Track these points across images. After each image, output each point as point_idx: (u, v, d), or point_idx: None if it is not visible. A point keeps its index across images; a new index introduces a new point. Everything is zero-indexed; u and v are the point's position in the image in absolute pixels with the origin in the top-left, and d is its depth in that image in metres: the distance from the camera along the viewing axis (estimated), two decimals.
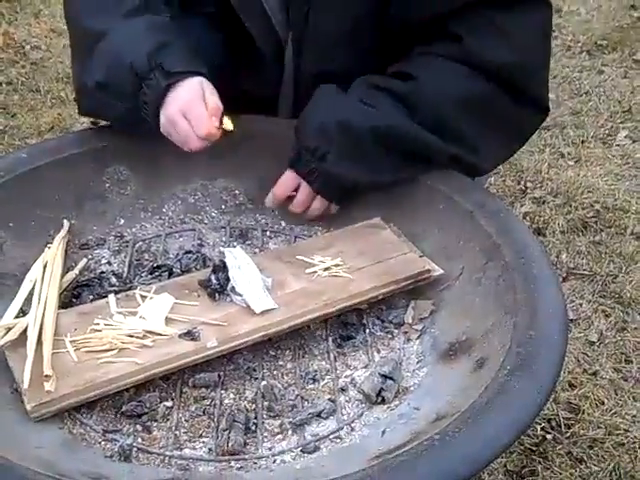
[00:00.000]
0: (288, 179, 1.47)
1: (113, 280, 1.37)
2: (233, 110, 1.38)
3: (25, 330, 1.17)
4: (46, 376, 1.09)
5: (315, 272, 1.33)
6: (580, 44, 3.48)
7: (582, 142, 2.76)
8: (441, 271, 1.35)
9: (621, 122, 2.90)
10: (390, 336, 1.31)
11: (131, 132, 1.48)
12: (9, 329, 1.17)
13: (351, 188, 1.46)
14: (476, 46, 1.35)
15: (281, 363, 1.25)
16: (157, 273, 1.39)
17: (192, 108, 1.34)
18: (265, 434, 1.12)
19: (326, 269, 1.34)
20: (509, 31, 1.35)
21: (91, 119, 2.26)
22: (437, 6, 1.39)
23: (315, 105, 1.46)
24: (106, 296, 1.28)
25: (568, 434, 1.68)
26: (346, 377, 1.23)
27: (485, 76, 1.36)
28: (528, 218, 2.34)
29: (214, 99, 1.35)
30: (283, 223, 1.55)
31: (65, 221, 1.45)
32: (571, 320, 1.92)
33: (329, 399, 1.18)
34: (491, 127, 1.41)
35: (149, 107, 1.36)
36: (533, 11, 1.36)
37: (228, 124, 1.36)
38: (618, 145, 2.77)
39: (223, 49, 1.61)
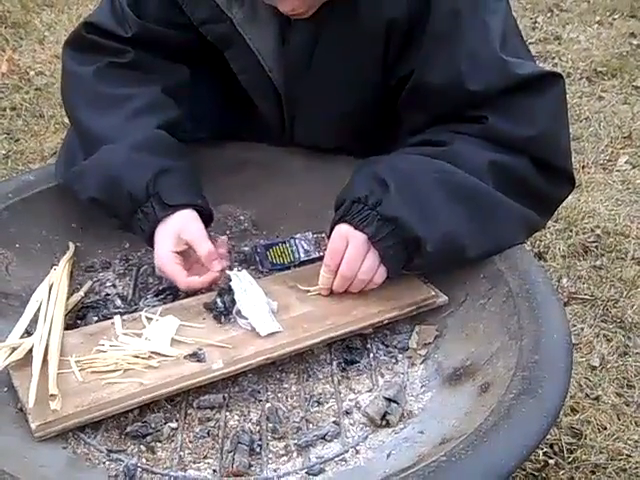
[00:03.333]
0: (336, 237, 1.31)
1: (118, 302, 1.38)
2: None
3: (30, 350, 1.18)
4: (51, 395, 1.10)
5: (320, 295, 1.34)
6: (580, 71, 3.51)
7: (582, 167, 2.77)
8: (445, 297, 1.36)
9: (621, 148, 2.91)
10: (394, 361, 1.31)
11: None
12: (14, 349, 1.18)
13: (410, 240, 1.27)
14: (500, 124, 1.35)
15: (286, 386, 1.25)
16: (162, 296, 1.40)
17: (166, 265, 1.34)
18: (270, 456, 1.12)
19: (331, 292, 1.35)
20: (529, 109, 1.36)
21: None
22: (456, 102, 1.38)
23: (356, 170, 1.37)
24: (111, 318, 1.28)
25: (570, 459, 1.67)
26: (350, 400, 1.23)
27: (511, 150, 1.35)
28: (529, 243, 2.35)
29: (206, 246, 1.34)
30: None
31: (71, 243, 1.46)
32: (573, 345, 1.92)
33: (334, 422, 1.18)
34: (523, 195, 1.37)
35: (144, 231, 1.36)
36: (550, 87, 1.38)
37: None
38: (618, 171, 2.78)
39: (228, 114, 1.64)
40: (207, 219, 1.41)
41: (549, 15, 4.20)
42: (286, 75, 1.48)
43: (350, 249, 1.29)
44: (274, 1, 1.28)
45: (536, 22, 4.07)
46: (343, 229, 1.30)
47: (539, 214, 1.41)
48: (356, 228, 1.28)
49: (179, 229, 1.35)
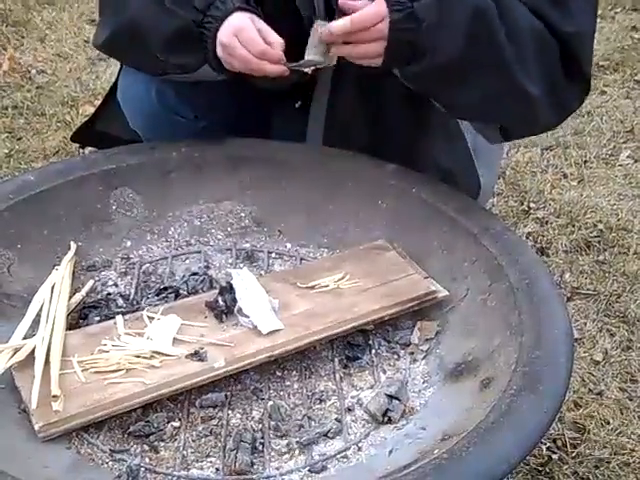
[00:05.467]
0: (377, 10, 1.32)
1: (120, 302, 1.38)
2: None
3: (33, 351, 1.18)
4: (54, 396, 1.10)
5: (321, 292, 1.34)
6: None
7: (585, 162, 2.77)
8: (446, 292, 1.36)
9: (623, 142, 2.90)
10: (396, 357, 1.32)
11: (163, 69, 1.51)
12: (17, 350, 1.18)
13: (419, 47, 1.33)
14: (545, 5, 1.40)
15: (288, 383, 1.25)
16: (164, 295, 1.40)
17: (243, 31, 1.37)
18: (272, 454, 1.12)
19: (336, 281, 1.36)
20: (571, 5, 1.42)
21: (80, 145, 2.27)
22: None
23: None
24: (113, 317, 1.29)
25: (574, 454, 1.68)
26: (352, 397, 1.23)
27: (549, 32, 1.41)
28: (531, 238, 2.35)
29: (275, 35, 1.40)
30: (289, 245, 1.56)
31: (72, 243, 1.46)
32: (576, 339, 1.92)
33: (336, 419, 1.18)
34: (547, 76, 1.42)
35: (213, 23, 1.39)
36: None
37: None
38: (621, 165, 2.77)
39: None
40: None
41: None
42: None
43: (379, 25, 1.32)
44: None
45: None
46: (384, 7, 1.32)
47: (551, 108, 1.47)
48: (389, 9, 1.32)
49: (254, 17, 1.40)
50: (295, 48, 1.46)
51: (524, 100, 1.42)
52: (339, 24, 1.34)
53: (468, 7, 1.33)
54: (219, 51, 1.41)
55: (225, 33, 1.39)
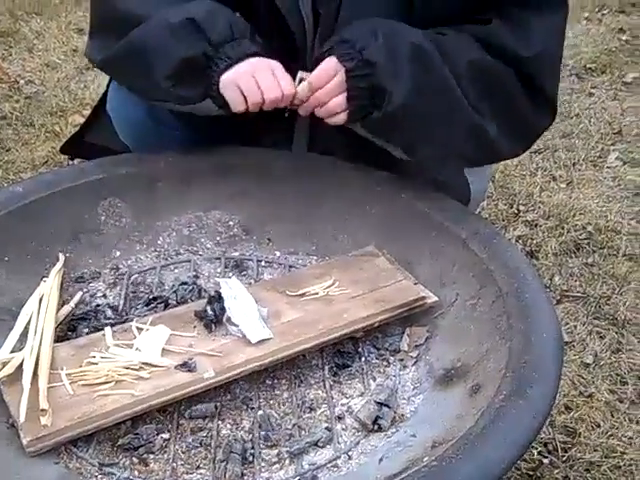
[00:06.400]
0: (329, 66, 1.39)
1: (109, 313, 1.38)
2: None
3: (21, 364, 1.17)
4: (42, 410, 1.09)
5: (310, 300, 1.34)
6: (569, 67, 3.50)
7: (573, 164, 2.77)
8: (435, 298, 1.36)
9: (612, 144, 2.91)
10: (386, 363, 1.31)
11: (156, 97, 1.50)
12: (5, 363, 1.17)
13: (378, 90, 1.37)
14: (502, 31, 1.42)
15: (277, 392, 1.25)
16: (153, 305, 1.40)
17: (262, 72, 1.40)
18: (262, 464, 1.12)
19: (325, 289, 1.36)
20: (533, 28, 1.43)
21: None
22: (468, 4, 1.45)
23: (367, 19, 1.43)
24: (102, 329, 1.28)
25: (565, 458, 1.67)
26: (342, 405, 1.23)
27: (502, 60, 1.42)
28: (521, 241, 2.35)
29: (290, 84, 1.42)
30: (277, 253, 1.56)
31: (61, 254, 1.46)
32: (566, 342, 1.92)
33: (326, 428, 1.18)
34: (502, 108, 1.44)
35: (225, 61, 1.39)
36: (556, 12, 1.46)
37: None
38: (609, 167, 2.78)
39: None
40: None
41: None
42: None
43: (335, 80, 1.38)
44: None
45: None
46: (334, 61, 1.38)
47: (514, 139, 1.50)
48: (339, 61, 1.37)
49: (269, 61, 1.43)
50: (286, 64, 1.47)
51: (482, 139, 1.44)
52: (301, 89, 1.42)
53: (407, 44, 1.37)
54: (229, 88, 1.40)
55: (242, 74, 1.40)
